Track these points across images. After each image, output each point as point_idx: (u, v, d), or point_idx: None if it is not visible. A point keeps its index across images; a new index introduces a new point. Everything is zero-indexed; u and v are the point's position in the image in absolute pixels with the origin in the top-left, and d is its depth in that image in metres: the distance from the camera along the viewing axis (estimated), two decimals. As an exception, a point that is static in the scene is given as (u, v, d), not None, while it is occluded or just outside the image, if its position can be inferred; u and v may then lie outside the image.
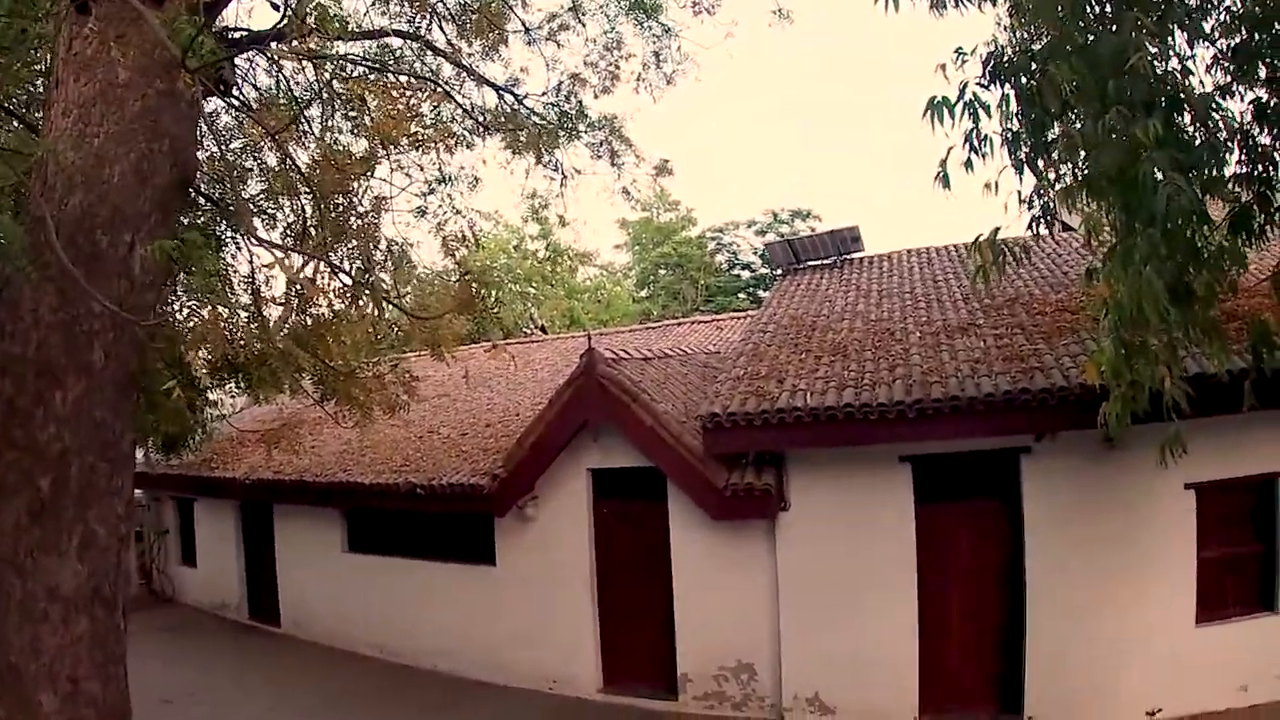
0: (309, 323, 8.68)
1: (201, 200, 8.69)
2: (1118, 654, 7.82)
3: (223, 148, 8.27)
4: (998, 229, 5.39)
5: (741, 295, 35.21)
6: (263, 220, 8.80)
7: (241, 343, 7.63)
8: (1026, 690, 8.07)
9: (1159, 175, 4.37)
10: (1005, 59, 5.18)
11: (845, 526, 8.72)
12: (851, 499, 8.71)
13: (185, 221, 7.40)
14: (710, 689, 9.48)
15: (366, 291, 8.01)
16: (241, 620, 14.96)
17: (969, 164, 5.27)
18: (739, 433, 8.50)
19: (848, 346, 9.55)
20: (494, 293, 8.18)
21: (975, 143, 5.24)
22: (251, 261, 9.27)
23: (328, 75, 7.37)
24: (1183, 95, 4.80)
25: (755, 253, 36.14)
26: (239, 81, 7.61)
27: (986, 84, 5.22)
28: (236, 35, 6.37)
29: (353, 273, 8.67)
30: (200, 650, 13.24)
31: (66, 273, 4.50)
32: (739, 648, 9.34)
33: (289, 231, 9.05)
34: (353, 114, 7.89)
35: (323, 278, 8.14)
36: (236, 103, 7.28)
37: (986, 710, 8.35)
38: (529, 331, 29.12)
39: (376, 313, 8.29)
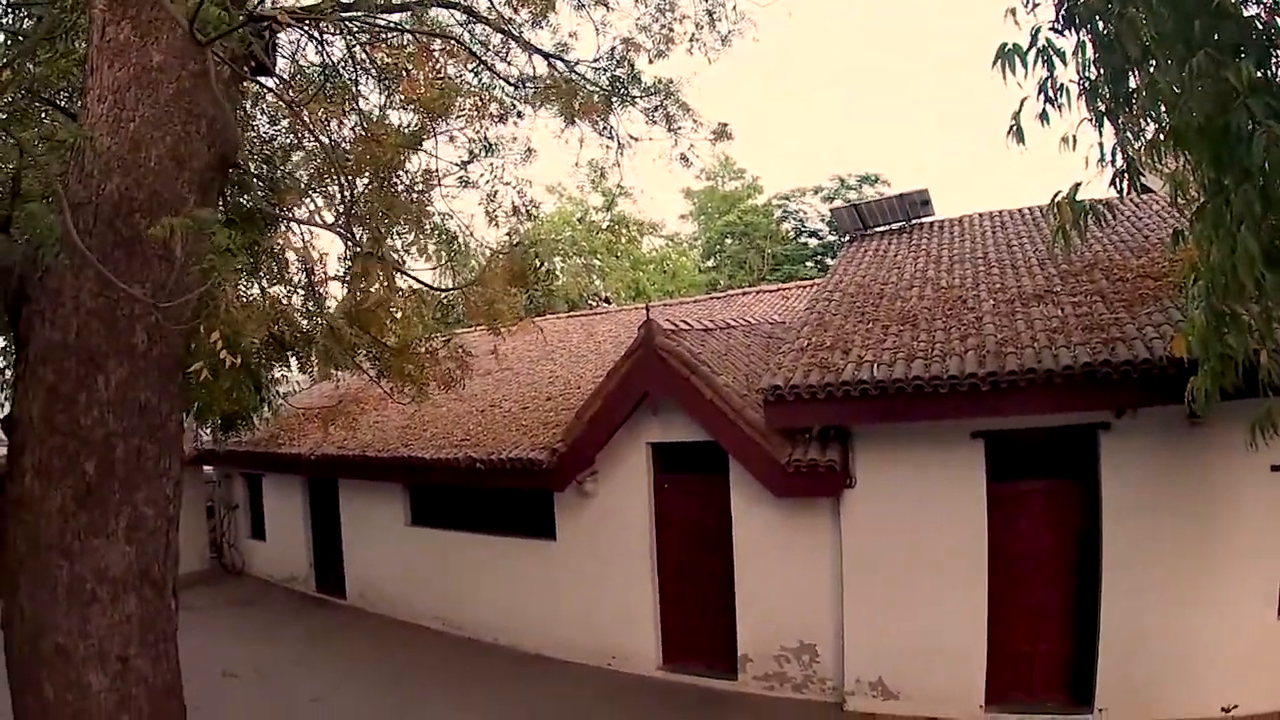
0: (360, 300, 8.76)
1: (253, 180, 8.79)
2: (1194, 646, 7.45)
3: (269, 128, 8.31)
4: (1078, 185, 5.05)
5: (809, 264, 34.66)
6: (316, 199, 8.84)
7: (289, 322, 7.71)
8: (1098, 681, 7.75)
9: (1254, 124, 3.97)
10: (1080, 2, 4.79)
11: (913, 505, 8.47)
12: (920, 477, 8.44)
13: (229, 201, 7.46)
14: (771, 669, 9.38)
15: (404, 267, 8.02)
16: (309, 593, 15.43)
17: (1044, 116, 4.94)
18: (802, 407, 8.31)
19: (917, 315, 9.24)
20: (545, 264, 8.10)
21: (1050, 93, 4.90)
22: (305, 240, 9.36)
23: (366, 44, 7.31)
24: (1276, 35, 4.36)
25: (822, 220, 35.49)
26: (281, 59, 7.61)
27: (1060, 29, 4.85)
28: (266, 9, 6.33)
29: (401, 248, 8.70)
30: (267, 623, 13.68)
31: (102, 258, 4.52)
32: (801, 628, 9.21)
33: (338, 210, 9.11)
34: (397, 87, 7.83)
35: (374, 255, 8.20)
36: (273, 82, 7.26)
37: (1055, 700, 8.05)
38: (594, 304, 29.11)
39: (421, 289, 8.31)
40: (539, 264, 8.02)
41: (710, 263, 36.90)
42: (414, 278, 7.91)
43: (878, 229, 13.90)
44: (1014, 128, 5.04)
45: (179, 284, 4.98)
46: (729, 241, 36.47)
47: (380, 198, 8.52)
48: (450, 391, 9.72)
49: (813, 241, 36.05)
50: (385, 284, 7.52)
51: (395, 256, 8.69)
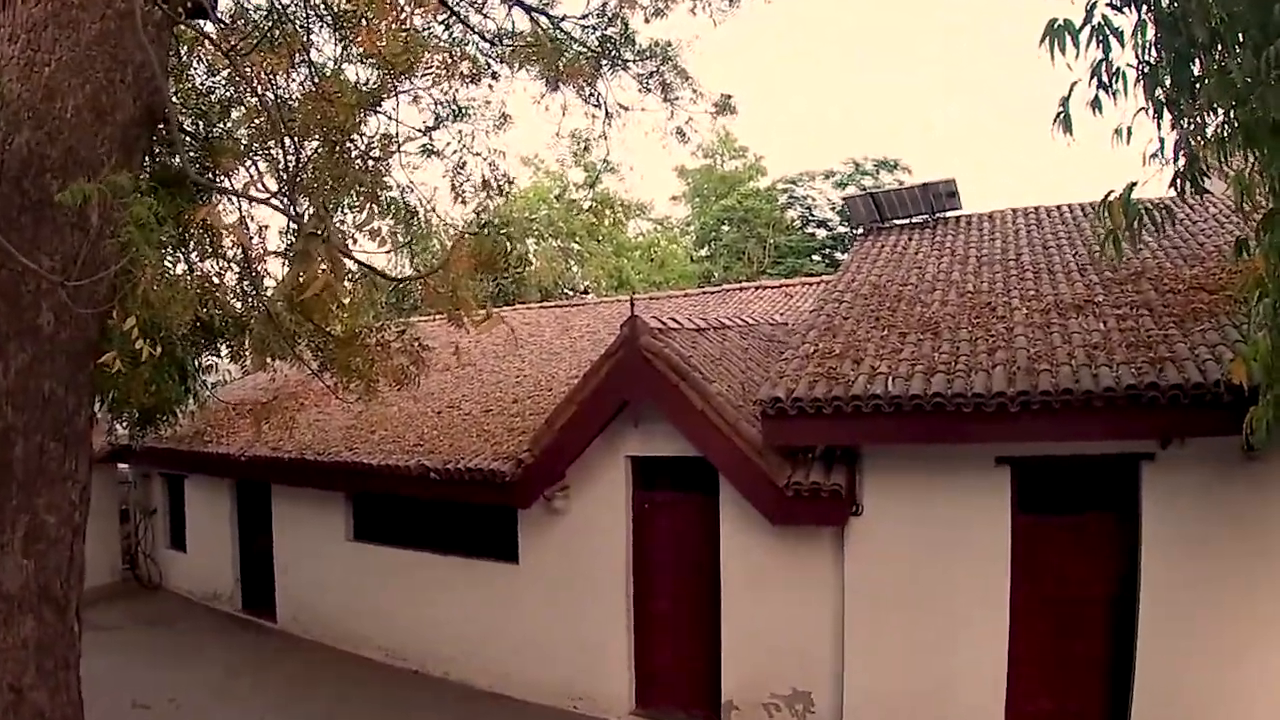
0: (302, 284, 8.63)
1: (185, 139, 8.66)
2: (1237, 702, 7.44)
3: (205, 79, 8.19)
4: (1133, 185, 5.04)
5: (815, 257, 34.78)
6: (256, 164, 8.72)
7: (220, 305, 7.59)
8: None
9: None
10: (1143, -25, 4.78)
11: (927, 538, 8.46)
12: (937, 505, 8.43)
13: (156, 163, 7.33)
14: (759, 719, 9.33)
15: (353, 248, 7.92)
16: (234, 613, 15.27)
17: (1096, 103, 4.93)
18: (805, 422, 8.28)
19: (939, 323, 9.23)
20: (517, 248, 8.03)
21: (1104, 77, 4.88)
22: (241, 212, 9.23)
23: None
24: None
25: (833, 208, 35.58)
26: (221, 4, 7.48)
27: (1119, 6, 4.84)
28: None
29: (352, 225, 8.62)
30: (186, 646, 13.52)
31: (6, 224, 4.41)
32: (795, 673, 9.17)
33: (281, 177, 9.00)
34: (355, 37, 7.74)
35: (318, 236, 8.08)
36: (212, 26, 7.14)
37: (1086, 763, 8.06)
38: (570, 294, 29.06)
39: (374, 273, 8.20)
40: (510, 247, 7.94)
41: (704, 252, 36.96)
42: (365, 265, 7.83)
43: (897, 222, 13.91)
44: (1061, 115, 5.02)
45: (94, 258, 4.90)
46: (726, 228, 36.55)
47: (330, 165, 8.42)
48: (403, 389, 9.62)
49: (821, 233, 36.15)
50: (330, 267, 7.43)
51: (344, 235, 8.59)
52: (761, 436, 8.73)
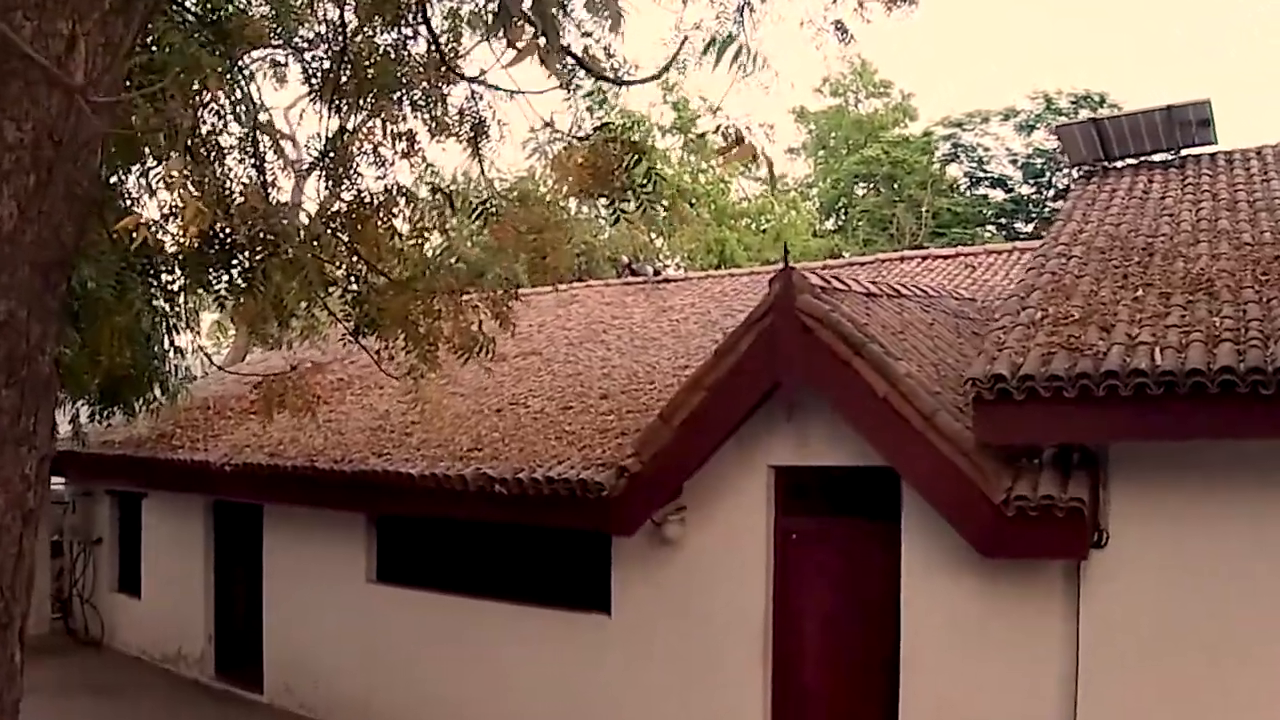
0: (345, 203, 8.96)
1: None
2: None
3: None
4: None
5: (990, 228, 34.59)
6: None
7: (245, 215, 7.87)
8: None
9: None
10: None
11: (1207, 583, 8.35)
12: (1219, 533, 8.33)
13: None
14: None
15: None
16: (205, 680, 15.64)
17: None
18: (1036, 410, 8.25)
19: (1214, 281, 9.19)
20: (644, 160, 8.21)
21: None
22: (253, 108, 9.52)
23: None
24: None
25: (1014, 161, 35.35)
26: None
27: None
28: None
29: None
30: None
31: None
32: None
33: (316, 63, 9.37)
34: None
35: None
36: None
37: None
38: (637, 269, 29.07)
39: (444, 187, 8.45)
40: (634, 158, 8.14)
41: (831, 223, 36.97)
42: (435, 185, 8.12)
43: (1128, 160, 14.00)
44: None
45: (77, 131, 4.87)
46: (863, 190, 36.55)
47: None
48: (469, 363, 9.83)
49: (997, 194, 35.98)
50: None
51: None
52: (972, 433, 8.73)
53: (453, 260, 9.35)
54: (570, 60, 7.21)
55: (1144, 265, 10.00)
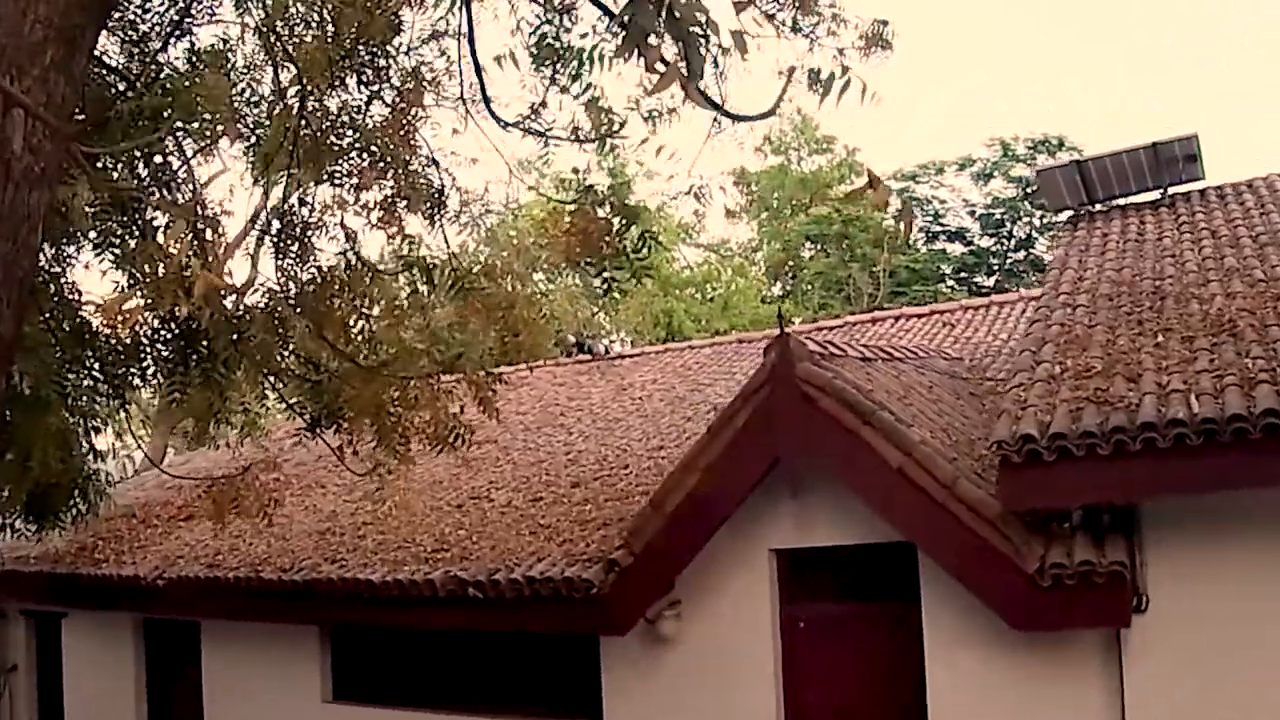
0: (308, 279, 8.52)
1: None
2: None
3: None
4: None
5: (949, 283, 34.60)
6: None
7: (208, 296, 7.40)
8: None
9: None
10: None
11: (1249, 637, 8.13)
12: (1261, 587, 8.14)
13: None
14: None
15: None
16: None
17: None
18: (1069, 470, 8.06)
19: (1236, 321, 9.15)
20: (635, 224, 7.79)
21: None
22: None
23: None
24: None
25: (972, 213, 35.54)
26: None
27: None
28: None
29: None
30: None
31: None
32: None
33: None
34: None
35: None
36: None
37: None
38: (586, 346, 28.83)
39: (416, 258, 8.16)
40: (623, 223, 7.74)
41: (778, 288, 36.96)
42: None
43: (1114, 201, 14.06)
44: None
45: (19, 205, 4.72)
46: (810, 253, 36.54)
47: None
48: (441, 454, 9.39)
49: (954, 248, 36.14)
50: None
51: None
52: (996, 499, 8.52)
53: (426, 344, 8.77)
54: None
55: (1157, 310, 10.01)
